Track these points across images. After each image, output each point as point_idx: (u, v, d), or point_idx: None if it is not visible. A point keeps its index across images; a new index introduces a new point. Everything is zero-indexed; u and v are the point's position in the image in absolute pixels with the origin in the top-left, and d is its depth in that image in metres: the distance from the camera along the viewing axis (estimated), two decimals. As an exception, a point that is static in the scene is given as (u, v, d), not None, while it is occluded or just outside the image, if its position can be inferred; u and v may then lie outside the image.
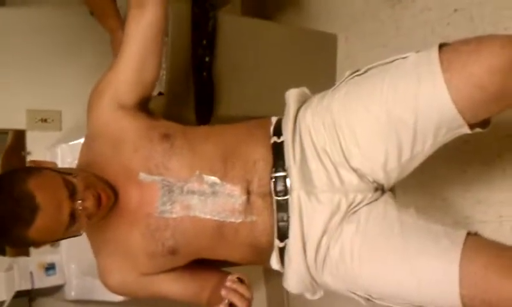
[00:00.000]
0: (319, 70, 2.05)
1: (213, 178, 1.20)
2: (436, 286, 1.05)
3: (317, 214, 1.17)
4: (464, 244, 1.05)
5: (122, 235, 1.24)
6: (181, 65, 1.71)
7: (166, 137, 1.24)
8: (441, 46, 1.07)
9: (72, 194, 1.10)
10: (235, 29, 1.82)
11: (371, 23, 2.01)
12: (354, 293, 1.19)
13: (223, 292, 1.11)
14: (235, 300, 1.09)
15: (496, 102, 1.04)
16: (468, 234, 1.07)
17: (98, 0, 1.73)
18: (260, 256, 1.26)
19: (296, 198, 1.18)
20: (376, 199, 1.21)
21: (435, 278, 1.05)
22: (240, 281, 1.13)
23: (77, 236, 1.20)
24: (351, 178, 1.18)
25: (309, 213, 1.18)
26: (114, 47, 1.75)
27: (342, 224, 1.18)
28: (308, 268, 1.20)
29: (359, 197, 1.19)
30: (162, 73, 1.67)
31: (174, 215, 1.20)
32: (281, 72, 1.91)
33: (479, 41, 1.03)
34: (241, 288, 1.11)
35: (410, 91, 1.08)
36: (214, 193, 1.20)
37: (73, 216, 1.10)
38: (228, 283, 1.12)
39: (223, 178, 1.20)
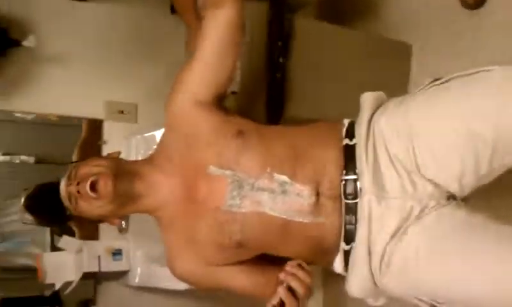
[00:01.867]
0: (392, 78, 2.03)
1: (283, 177, 1.21)
2: (504, 291, 1.02)
3: (387, 221, 1.16)
4: None
5: (190, 226, 1.27)
6: (255, 65, 1.75)
7: (240, 133, 1.26)
8: None
9: (68, 180, 1.28)
10: (310, 32, 1.85)
11: (447, 33, 1.98)
12: (420, 299, 1.16)
13: (282, 275, 1.12)
14: (294, 283, 1.10)
15: None
16: None
17: None
18: (324, 257, 1.26)
19: (366, 202, 1.17)
20: (445, 205, 1.18)
21: (509, 283, 1.02)
22: (301, 266, 1.12)
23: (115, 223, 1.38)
24: (426, 186, 1.16)
25: (378, 219, 1.16)
26: (189, 41, 1.80)
27: (409, 228, 1.16)
28: (371, 273, 1.19)
29: (432, 203, 1.16)
30: (237, 72, 1.71)
31: (243, 210, 1.22)
32: (354, 78, 1.91)
33: None
34: (300, 273, 1.11)
35: (492, 108, 1.06)
36: (284, 192, 1.20)
37: (70, 199, 1.28)
38: (287, 267, 1.13)
39: (293, 177, 1.21)
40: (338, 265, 1.24)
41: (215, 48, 1.30)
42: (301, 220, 1.20)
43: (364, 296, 1.25)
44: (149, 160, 1.36)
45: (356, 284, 1.22)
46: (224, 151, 1.24)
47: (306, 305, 1.13)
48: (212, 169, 1.24)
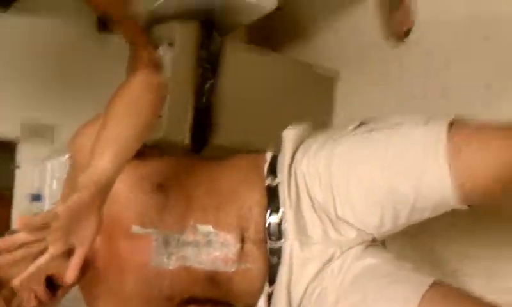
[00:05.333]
0: (318, 105, 2.06)
1: (207, 227, 1.17)
2: None
3: (309, 265, 1.16)
4: (427, 291, 1.02)
5: (114, 283, 1.20)
6: (181, 89, 1.71)
7: (160, 188, 1.18)
8: (452, 123, 1.06)
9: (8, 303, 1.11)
10: (239, 56, 1.84)
11: (374, 63, 2.00)
12: None
13: None
14: None
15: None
16: (436, 283, 1.05)
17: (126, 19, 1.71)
18: (250, 298, 1.23)
19: (288, 247, 1.15)
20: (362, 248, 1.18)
21: None
22: None
23: None
24: (348, 231, 1.16)
25: (300, 264, 1.16)
26: (131, 62, 1.73)
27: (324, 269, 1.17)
28: None
29: (353, 250, 1.17)
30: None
31: (170, 267, 1.17)
32: (280, 105, 1.91)
33: (487, 130, 1.04)
34: None
35: (414, 169, 1.06)
36: (208, 243, 1.17)
37: None
38: None
39: (217, 226, 1.17)
40: (261, 305, 1.22)
41: None
42: (226, 270, 1.17)
43: None
44: None
45: None
46: (146, 210, 1.17)
47: None
48: (136, 228, 1.16)
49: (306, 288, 1.16)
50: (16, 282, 0.86)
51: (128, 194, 1.17)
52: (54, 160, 1.84)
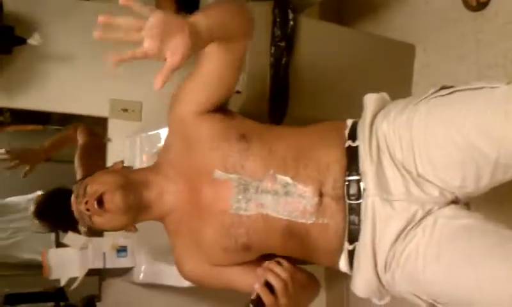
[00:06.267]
0: (395, 79, 2.04)
1: (286, 178, 1.22)
2: (498, 292, 1.03)
3: (392, 222, 1.17)
4: None
5: (195, 229, 1.29)
6: (259, 65, 1.76)
7: (243, 137, 1.27)
8: None
9: (77, 199, 1.30)
10: (314, 32, 1.86)
11: (451, 35, 1.98)
12: (419, 297, 1.18)
13: (259, 271, 1.15)
14: (271, 278, 1.12)
15: None
16: None
17: None
18: (329, 256, 1.26)
19: (370, 204, 1.17)
20: (448, 208, 1.19)
21: (498, 283, 1.03)
22: (278, 262, 1.16)
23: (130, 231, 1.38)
24: (432, 189, 1.17)
25: (383, 221, 1.17)
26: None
27: (411, 230, 1.17)
28: (377, 273, 1.20)
29: (435, 208, 1.17)
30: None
31: (248, 213, 1.23)
32: (356, 78, 1.92)
33: None
34: (277, 268, 1.14)
35: (496, 127, 1.06)
36: (287, 193, 1.21)
37: (82, 216, 1.30)
38: (265, 264, 1.16)
39: (295, 178, 1.21)
40: (343, 265, 1.26)
41: (219, 68, 1.26)
42: (304, 221, 1.21)
43: (369, 295, 1.27)
44: (153, 168, 1.37)
45: (361, 284, 1.24)
46: (228, 156, 1.25)
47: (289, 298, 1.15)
48: (218, 173, 1.25)
49: (391, 248, 1.17)
50: (115, 59, 0.95)
51: (213, 141, 1.27)
52: (143, 134, 1.94)
